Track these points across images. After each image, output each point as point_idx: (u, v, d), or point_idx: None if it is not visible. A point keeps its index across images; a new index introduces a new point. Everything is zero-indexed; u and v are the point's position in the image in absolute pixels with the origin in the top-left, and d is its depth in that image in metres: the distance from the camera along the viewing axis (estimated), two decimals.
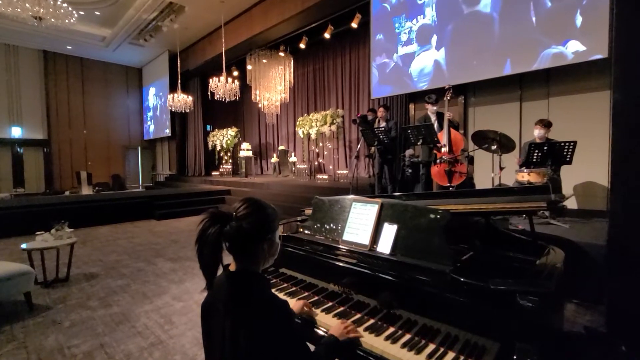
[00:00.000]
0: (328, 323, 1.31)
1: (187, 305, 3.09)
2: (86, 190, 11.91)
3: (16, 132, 11.86)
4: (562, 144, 3.67)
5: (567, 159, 3.71)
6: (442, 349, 1.10)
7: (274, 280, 1.72)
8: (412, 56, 6.10)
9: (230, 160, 11.77)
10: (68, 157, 13.03)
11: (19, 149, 12.06)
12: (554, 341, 1.07)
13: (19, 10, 8.03)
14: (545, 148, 3.75)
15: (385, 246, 1.41)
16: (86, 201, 7.75)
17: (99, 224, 7.11)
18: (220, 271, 1.00)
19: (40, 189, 12.31)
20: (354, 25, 7.45)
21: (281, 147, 10.89)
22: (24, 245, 3.49)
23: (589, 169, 4.54)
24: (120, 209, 7.69)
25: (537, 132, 4.18)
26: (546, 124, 4.17)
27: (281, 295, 1.57)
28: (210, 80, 9.03)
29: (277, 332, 0.92)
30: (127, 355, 2.28)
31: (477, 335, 1.06)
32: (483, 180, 5.33)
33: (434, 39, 5.76)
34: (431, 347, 1.12)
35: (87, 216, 7.05)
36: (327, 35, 8.04)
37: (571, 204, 4.71)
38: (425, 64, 5.90)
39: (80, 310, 3.01)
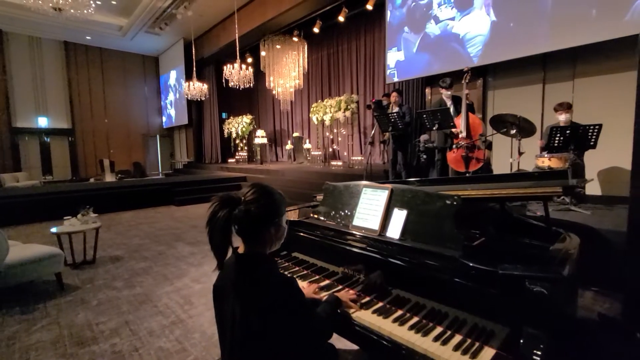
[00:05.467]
0: None
1: (206, 287, 3.21)
2: (109, 178, 12.37)
3: (42, 122, 12.35)
4: (587, 128, 3.51)
5: (592, 143, 3.55)
6: (449, 332, 1.11)
7: (286, 264, 1.77)
8: (427, 36, 5.91)
9: (246, 148, 11.90)
10: (91, 146, 13.51)
11: (46, 138, 12.59)
12: (565, 328, 1.06)
13: (40, 2, 8.23)
14: (567, 132, 3.60)
15: (394, 231, 1.42)
16: (109, 188, 8.07)
17: (122, 210, 7.41)
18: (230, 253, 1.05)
19: (67, 176, 12.88)
20: (369, 7, 7.24)
21: (296, 134, 10.90)
22: (53, 229, 3.69)
23: (615, 153, 4.33)
24: (142, 195, 7.98)
25: (563, 117, 4.06)
26: (567, 107, 4.03)
27: None
28: (225, 67, 9.06)
29: (287, 308, 0.96)
30: (150, 332, 2.41)
31: (485, 319, 1.07)
32: (501, 166, 5.19)
33: (453, 13, 5.54)
34: (438, 329, 1.13)
35: (110, 202, 7.35)
36: (341, 19, 7.86)
37: (595, 189, 4.54)
38: (443, 45, 5.71)
39: (107, 290, 3.19)
